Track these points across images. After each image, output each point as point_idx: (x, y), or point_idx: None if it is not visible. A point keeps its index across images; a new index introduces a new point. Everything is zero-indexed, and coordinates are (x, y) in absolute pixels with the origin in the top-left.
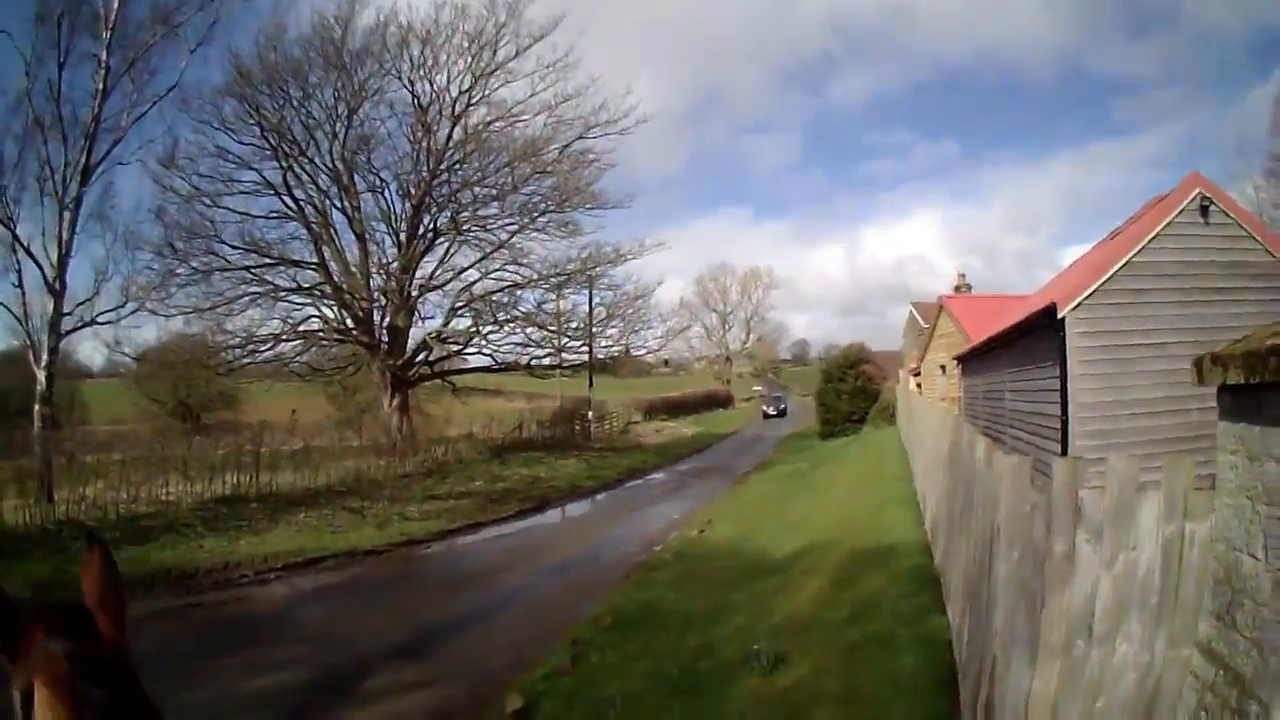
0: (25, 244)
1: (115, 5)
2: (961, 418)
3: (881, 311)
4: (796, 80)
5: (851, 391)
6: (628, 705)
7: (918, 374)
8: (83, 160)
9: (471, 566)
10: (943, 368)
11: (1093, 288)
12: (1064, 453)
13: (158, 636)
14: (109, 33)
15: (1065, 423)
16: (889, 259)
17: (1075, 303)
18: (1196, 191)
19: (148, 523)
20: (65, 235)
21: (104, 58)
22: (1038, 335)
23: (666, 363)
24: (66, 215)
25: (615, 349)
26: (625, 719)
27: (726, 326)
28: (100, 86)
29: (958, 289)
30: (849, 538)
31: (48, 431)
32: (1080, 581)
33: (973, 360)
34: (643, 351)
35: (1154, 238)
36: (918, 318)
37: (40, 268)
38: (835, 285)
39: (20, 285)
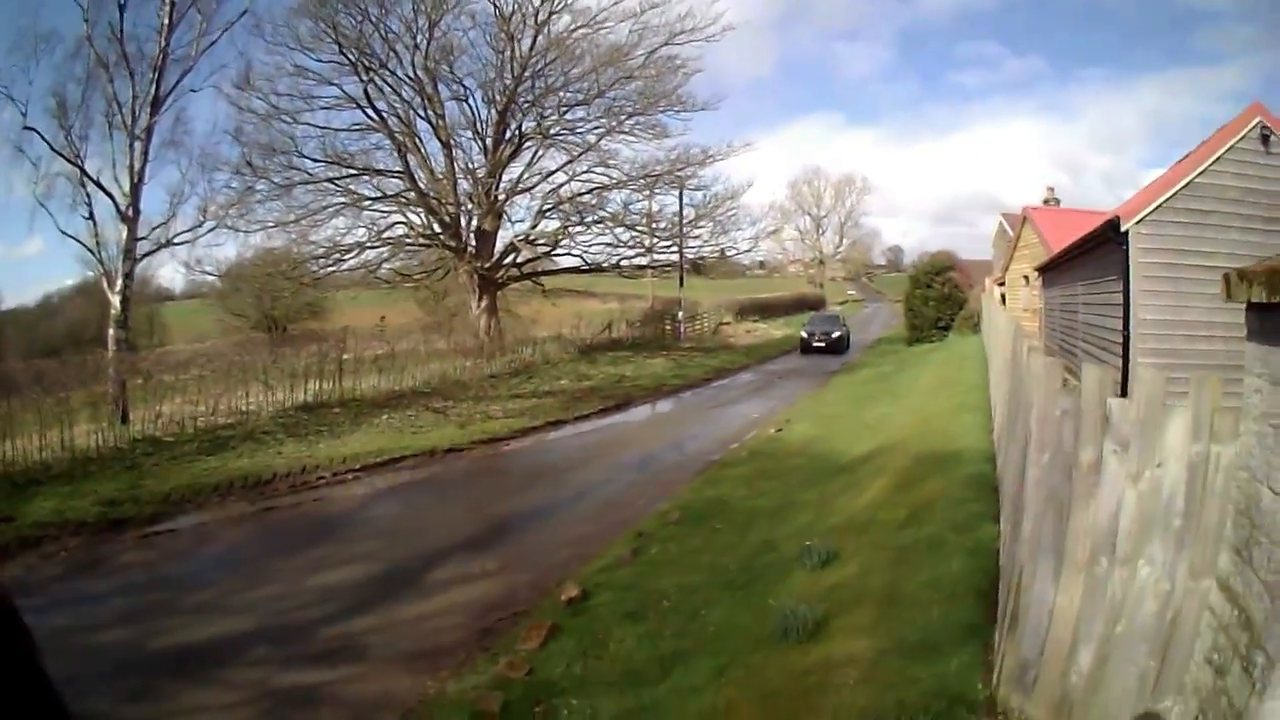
0: (95, 177)
1: None
2: (1016, 326)
3: (973, 221)
4: None
5: (938, 298)
6: (680, 597)
7: (1002, 284)
8: (152, 92)
9: (548, 462)
10: (1026, 279)
11: (1156, 204)
12: (1125, 367)
13: (229, 540)
14: None
15: (1127, 339)
16: (979, 169)
17: (1139, 217)
18: (1257, 120)
19: (226, 433)
20: (137, 164)
21: None
22: (1106, 249)
23: (762, 265)
24: (137, 145)
25: (705, 250)
26: (675, 609)
27: (820, 230)
28: (166, 21)
29: (1045, 202)
30: (919, 441)
31: (122, 354)
32: (1106, 495)
33: (1051, 272)
34: (733, 253)
35: (1216, 160)
36: (1006, 228)
37: (111, 197)
38: (928, 193)
39: (91, 217)
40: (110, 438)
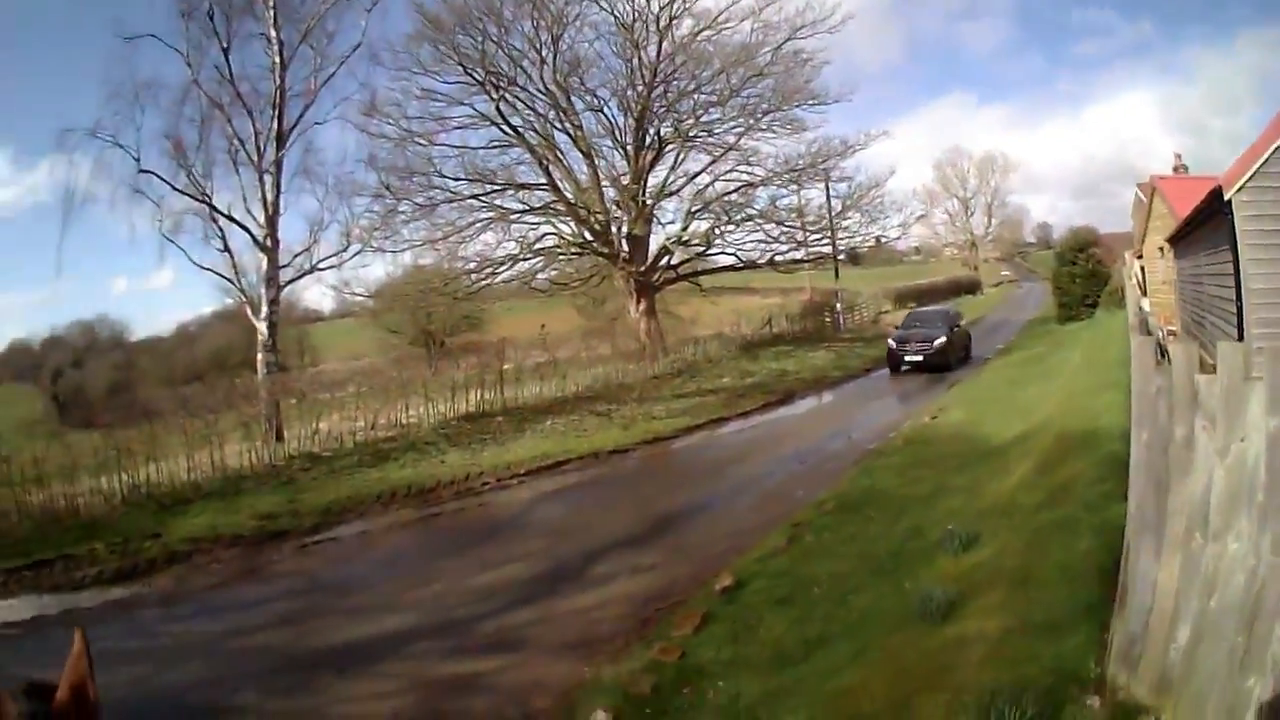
0: (225, 211)
1: None
2: (1136, 302)
3: (1113, 193)
4: None
5: (1084, 275)
6: (830, 584)
7: (1140, 256)
8: (274, 127)
9: (710, 459)
10: (1160, 250)
11: (1252, 170)
12: (1240, 339)
13: (392, 545)
14: (271, 11)
15: (1240, 309)
16: (1112, 139)
17: (1238, 185)
18: None
19: (387, 446)
20: (269, 196)
21: (272, 35)
22: (1216, 218)
23: (917, 250)
24: (268, 179)
25: (856, 239)
26: (824, 596)
27: (969, 212)
28: (277, 60)
29: (1175, 170)
30: (1063, 422)
31: (274, 376)
32: (1198, 470)
33: (1180, 243)
34: (885, 240)
35: None
36: (1142, 198)
37: (247, 230)
38: (1066, 167)
39: (227, 249)
40: (264, 456)
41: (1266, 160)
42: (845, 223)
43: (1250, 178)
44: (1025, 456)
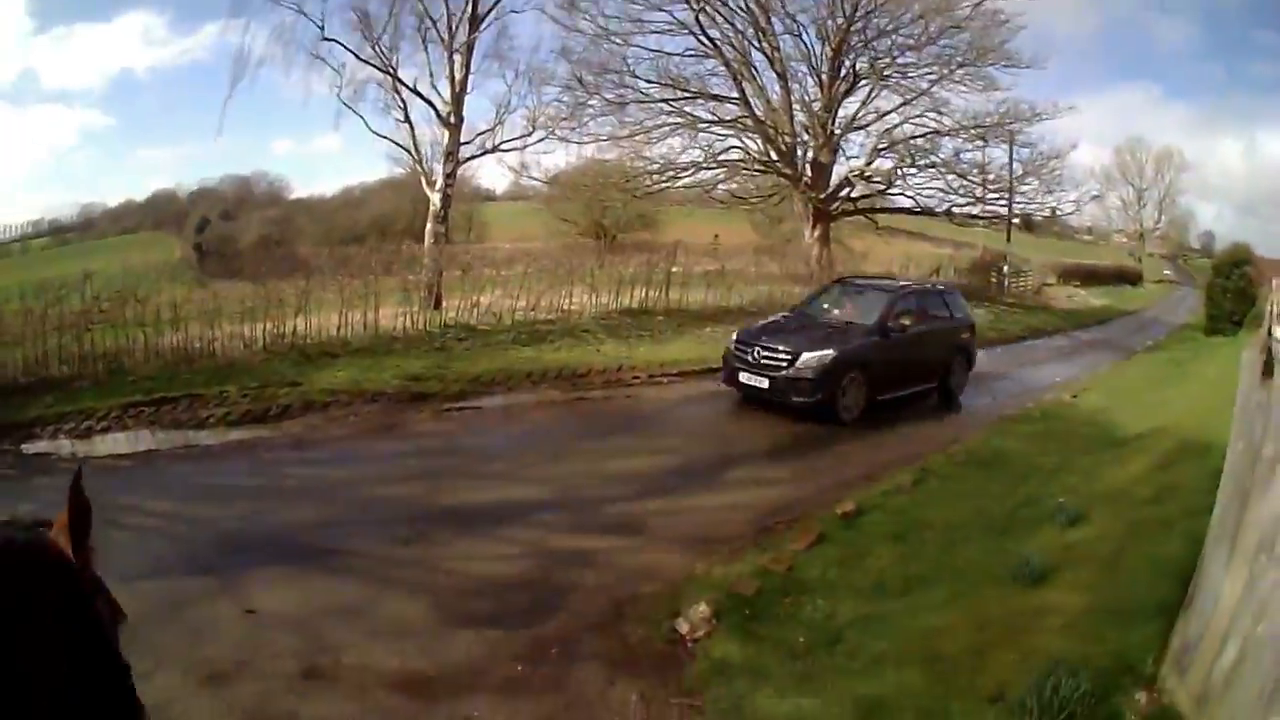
0: (411, 85)
1: None
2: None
3: (1276, 218)
4: None
5: (1235, 291)
6: (943, 530)
7: None
8: (468, 9)
9: None
10: None
11: None
12: None
13: (535, 421)
14: None
15: None
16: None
17: None
18: None
19: (545, 328)
20: (458, 75)
21: None
22: None
23: (1089, 230)
24: (458, 58)
25: (1031, 206)
26: (935, 540)
27: (1141, 203)
28: None
29: None
30: (1188, 427)
31: (441, 246)
32: (1276, 490)
33: None
34: (1060, 213)
35: None
36: None
37: (431, 104)
38: (1235, 180)
39: (407, 120)
40: (420, 321)
41: None
42: (1023, 187)
43: None
44: (1145, 451)
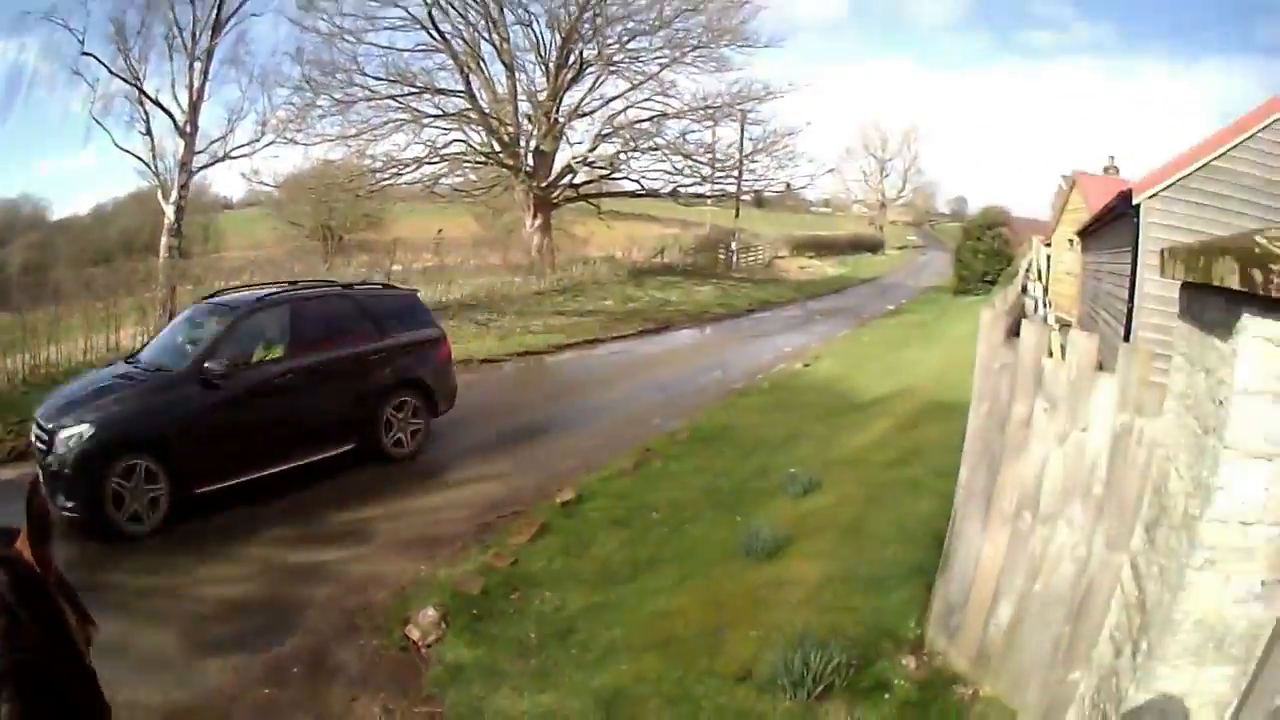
0: (154, 96)
1: None
2: (1013, 285)
3: (1037, 181)
4: None
5: (987, 252)
6: (669, 510)
7: (1049, 244)
8: (213, 16)
9: (578, 378)
10: (1070, 241)
11: (1169, 181)
12: (1126, 339)
13: None
14: None
15: (1130, 310)
16: (1045, 129)
17: (1151, 192)
18: (1276, 115)
19: None
20: (196, 83)
21: None
22: (1123, 220)
23: (826, 203)
24: (197, 66)
25: (762, 183)
26: (661, 521)
27: (884, 174)
28: None
29: (1105, 170)
30: (933, 388)
31: (174, 261)
32: (1034, 451)
33: (1087, 237)
34: (793, 188)
35: (1234, 147)
36: (1063, 188)
37: (170, 115)
38: (993, 148)
39: (149, 132)
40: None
41: (1187, 175)
42: (754, 165)
43: (1166, 188)
44: (886, 415)
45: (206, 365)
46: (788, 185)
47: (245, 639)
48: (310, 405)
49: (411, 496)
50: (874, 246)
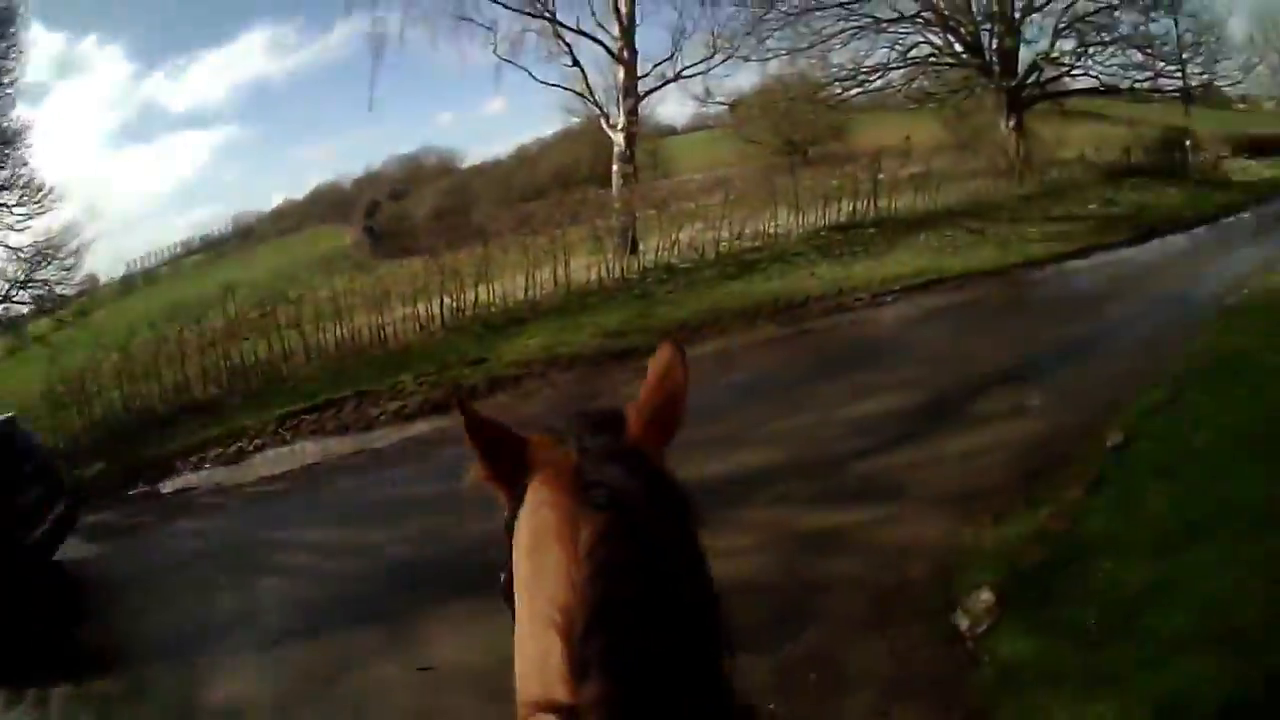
0: (574, 25)
1: None
2: None
3: None
4: None
5: None
6: (1211, 459)
7: None
8: None
9: (1082, 292)
10: None
11: None
12: None
13: (759, 367)
14: None
15: None
16: None
17: None
18: None
19: (752, 257)
20: (625, 8)
21: None
22: None
23: (1243, 100)
24: None
25: (1205, 77)
26: (1205, 473)
27: None
28: None
29: None
30: None
31: (631, 186)
32: None
33: None
34: (1227, 84)
35: None
36: None
37: (599, 42)
38: None
39: (576, 63)
40: (615, 269)
41: None
42: (1196, 58)
43: None
44: None
45: None
46: (1211, 82)
47: (749, 633)
48: None
49: (944, 436)
50: None
